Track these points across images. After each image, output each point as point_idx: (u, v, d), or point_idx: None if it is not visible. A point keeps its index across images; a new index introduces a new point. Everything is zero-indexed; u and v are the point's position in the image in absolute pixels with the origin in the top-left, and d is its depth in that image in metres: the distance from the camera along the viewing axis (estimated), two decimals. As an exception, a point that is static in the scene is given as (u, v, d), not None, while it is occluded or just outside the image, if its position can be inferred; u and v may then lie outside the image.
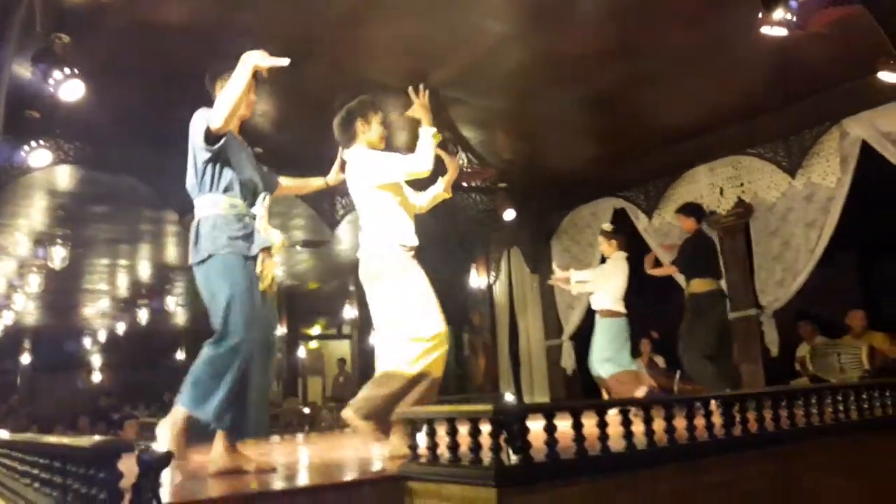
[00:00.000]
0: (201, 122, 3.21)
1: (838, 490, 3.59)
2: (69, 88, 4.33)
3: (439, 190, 4.06)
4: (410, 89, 3.70)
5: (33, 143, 5.38)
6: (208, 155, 3.22)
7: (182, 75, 4.98)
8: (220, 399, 3.07)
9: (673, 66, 5.24)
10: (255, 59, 3.13)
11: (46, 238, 7.93)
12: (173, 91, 5.21)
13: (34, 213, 7.58)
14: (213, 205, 3.28)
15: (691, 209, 6.06)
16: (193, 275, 3.31)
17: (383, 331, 3.69)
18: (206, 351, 3.18)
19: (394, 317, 3.63)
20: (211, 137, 3.17)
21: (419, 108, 3.72)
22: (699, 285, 5.73)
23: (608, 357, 6.00)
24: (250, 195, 3.37)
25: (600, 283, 6.18)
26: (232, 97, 3.12)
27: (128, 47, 4.60)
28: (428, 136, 3.67)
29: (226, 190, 3.27)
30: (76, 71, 4.29)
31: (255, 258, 3.28)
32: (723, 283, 5.94)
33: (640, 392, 5.89)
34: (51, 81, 4.25)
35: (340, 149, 3.90)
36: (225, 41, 4.58)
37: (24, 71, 4.46)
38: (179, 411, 3.18)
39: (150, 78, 5.03)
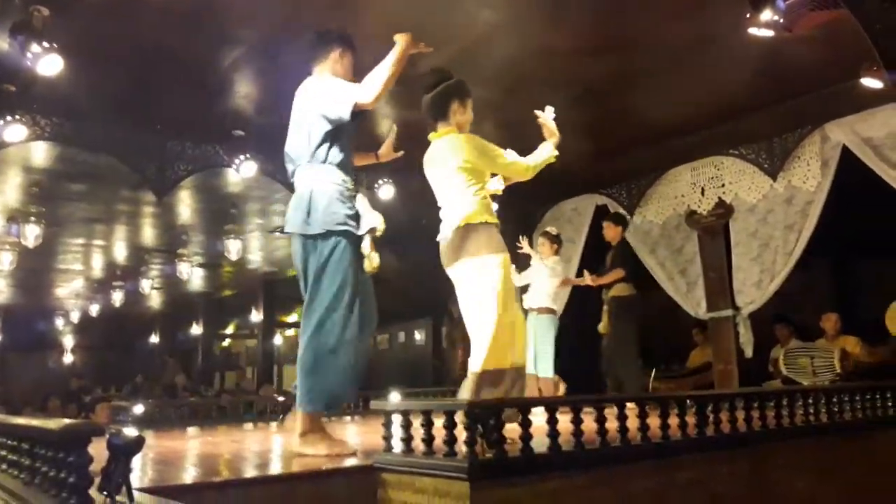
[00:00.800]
0: (341, 91, 3.17)
1: (808, 490, 3.64)
2: (47, 63, 4.23)
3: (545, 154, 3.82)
4: (537, 112, 3.82)
5: (9, 118, 5.25)
6: (331, 127, 3.19)
7: (163, 54, 4.92)
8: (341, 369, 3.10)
9: (659, 63, 5.24)
10: (408, 43, 3.23)
11: (20, 215, 7.77)
12: (154, 69, 5.14)
13: (8, 189, 7.43)
14: (329, 177, 3.23)
15: (618, 218, 6.62)
16: (293, 241, 3.26)
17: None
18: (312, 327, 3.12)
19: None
20: (353, 111, 3.12)
21: (546, 128, 3.84)
22: (622, 289, 6.23)
23: (547, 356, 6.14)
24: (351, 173, 3.35)
25: (536, 281, 6.30)
26: (387, 76, 3.16)
27: (108, 23, 4.50)
28: (548, 149, 3.80)
29: (339, 165, 3.25)
30: (55, 45, 4.19)
31: (360, 238, 3.28)
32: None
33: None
34: (28, 55, 4.14)
35: (394, 127, 3.85)
36: (207, 21, 4.52)
37: (1, 43, 4.36)
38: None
39: (131, 55, 4.93)
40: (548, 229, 6.66)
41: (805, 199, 6.08)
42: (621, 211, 7.07)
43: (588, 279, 6.44)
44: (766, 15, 4.21)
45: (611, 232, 6.50)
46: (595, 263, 7.16)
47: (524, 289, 6.36)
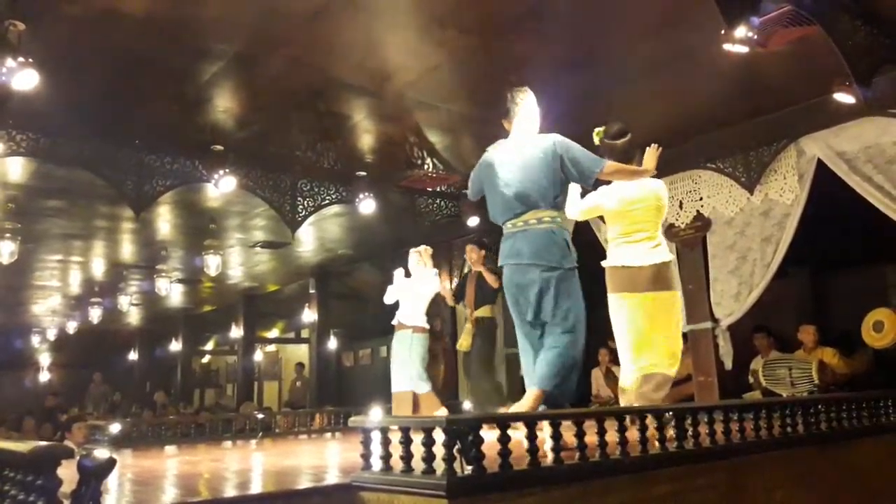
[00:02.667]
0: (593, 161, 3.76)
1: (785, 502, 3.65)
2: (23, 77, 4.18)
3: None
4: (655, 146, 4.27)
5: (-17, 133, 5.21)
6: (571, 180, 3.83)
7: (141, 68, 4.90)
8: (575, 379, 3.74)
9: (635, 77, 5.30)
10: (653, 166, 4.12)
11: (-5, 231, 7.67)
12: (131, 84, 5.11)
13: (-18, 205, 7.35)
14: (566, 222, 3.91)
15: (481, 242, 6.86)
16: (530, 271, 3.71)
17: None
18: (560, 343, 3.68)
19: None
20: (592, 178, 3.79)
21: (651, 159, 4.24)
22: (486, 311, 6.60)
23: (421, 373, 6.29)
24: None
25: (414, 297, 6.40)
26: (629, 178, 4.10)
27: (85, 38, 4.48)
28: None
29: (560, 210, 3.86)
30: (30, 60, 4.15)
31: None
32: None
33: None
34: (3, 69, 4.10)
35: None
36: (184, 34, 4.51)
37: (-26, 58, 4.30)
38: (534, 392, 3.63)
39: (108, 70, 4.91)
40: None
41: (782, 211, 6.15)
42: (485, 239, 7.14)
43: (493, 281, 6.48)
44: (741, 31, 4.26)
45: (477, 255, 6.71)
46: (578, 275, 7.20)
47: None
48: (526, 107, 3.97)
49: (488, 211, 3.94)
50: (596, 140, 4.32)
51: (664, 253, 4.19)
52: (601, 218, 4.55)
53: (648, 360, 4.08)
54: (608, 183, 4.17)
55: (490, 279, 6.49)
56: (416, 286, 6.44)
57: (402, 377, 6.34)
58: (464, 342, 6.71)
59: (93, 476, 1.84)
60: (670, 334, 4.15)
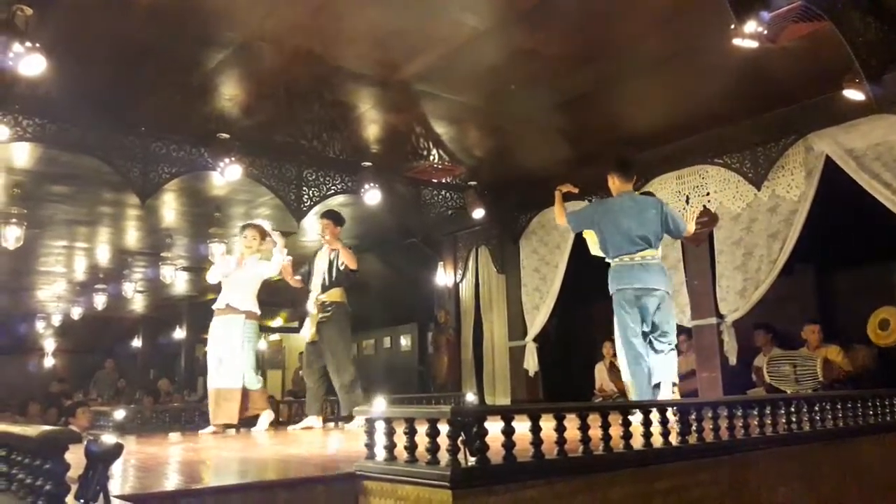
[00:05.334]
0: (682, 222, 5.14)
1: (787, 498, 3.65)
2: (30, 63, 4.19)
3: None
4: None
5: (-10, 118, 5.21)
6: (668, 234, 5.06)
7: (148, 55, 4.89)
8: None
9: (643, 71, 5.28)
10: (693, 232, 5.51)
11: (1, 216, 7.68)
12: (138, 70, 5.10)
13: (-12, 189, 7.36)
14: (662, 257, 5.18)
15: (338, 217, 6.13)
16: (654, 295, 4.85)
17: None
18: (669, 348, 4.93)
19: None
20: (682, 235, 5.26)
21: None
22: (338, 295, 5.97)
23: (254, 367, 5.71)
24: None
25: (247, 278, 5.73)
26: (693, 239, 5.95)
27: (92, 23, 4.47)
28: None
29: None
30: (38, 45, 4.15)
31: None
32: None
33: (268, 416, 5.89)
34: (10, 54, 4.10)
35: None
36: (191, 22, 4.50)
37: (-18, 42, 4.30)
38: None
39: (115, 56, 4.90)
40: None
41: (789, 208, 6.13)
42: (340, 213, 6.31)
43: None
44: (751, 26, 4.24)
45: (329, 231, 5.98)
46: (584, 269, 7.21)
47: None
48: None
49: (599, 246, 5.06)
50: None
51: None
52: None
53: None
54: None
55: (349, 258, 5.84)
56: (248, 266, 5.76)
57: (229, 371, 5.57)
58: (308, 331, 5.97)
59: (100, 461, 1.84)
60: None
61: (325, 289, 5.97)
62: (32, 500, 1.91)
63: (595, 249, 5.24)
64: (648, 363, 4.78)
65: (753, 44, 4.35)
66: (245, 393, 5.63)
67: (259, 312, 5.83)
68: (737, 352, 6.45)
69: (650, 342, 4.84)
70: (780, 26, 4.45)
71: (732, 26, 4.27)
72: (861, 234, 6.58)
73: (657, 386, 4.78)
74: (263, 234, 5.95)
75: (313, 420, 6.04)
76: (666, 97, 5.79)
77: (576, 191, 5.41)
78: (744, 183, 6.37)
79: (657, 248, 4.90)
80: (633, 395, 4.83)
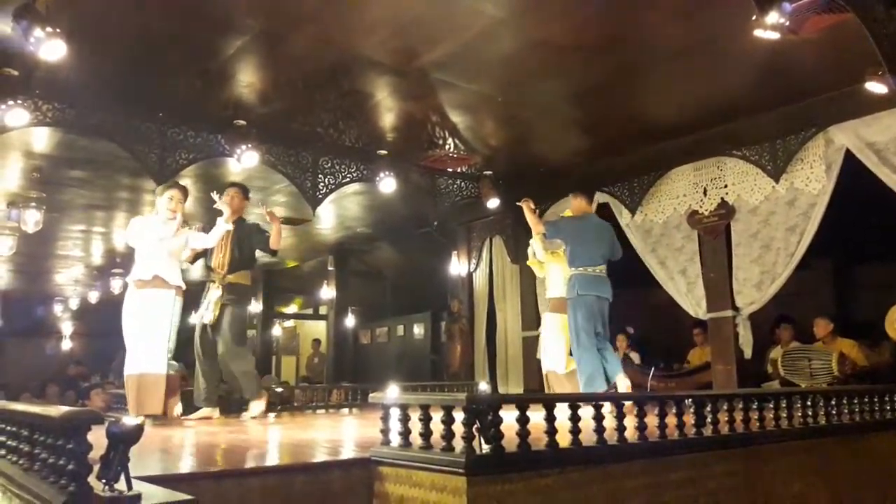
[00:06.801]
0: (618, 247, 6.06)
1: (801, 492, 3.65)
2: (50, 48, 4.19)
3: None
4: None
5: (10, 102, 5.23)
6: (611, 254, 5.99)
7: (166, 41, 4.90)
8: None
9: (662, 61, 5.23)
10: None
11: (20, 200, 7.76)
12: (156, 56, 5.12)
13: (8, 174, 7.42)
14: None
15: (245, 188, 5.92)
16: (604, 302, 5.80)
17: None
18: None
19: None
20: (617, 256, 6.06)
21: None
22: (244, 277, 5.72)
23: (172, 349, 5.16)
24: None
25: (171, 250, 5.18)
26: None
27: (112, 9, 4.48)
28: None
29: None
30: (58, 30, 4.16)
31: None
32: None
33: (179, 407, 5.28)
34: (31, 39, 4.12)
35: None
36: (209, 8, 4.50)
37: (3, 27, 4.34)
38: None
39: (134, 42, 4.92)
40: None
41: (808, 201, 6.07)
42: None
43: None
44: (772, 17, 4.18)
45: (237, 202, 5.68)
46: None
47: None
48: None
49: (570, 254, 5.87)
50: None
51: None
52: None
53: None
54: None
55: (278, 237, 5.58)
56: (169, 236, 5.15)
57: (156, 354, 4.94)
58: (211, 314, 5.51)
59: (121, 442, 1.87)
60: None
61: (232, 269, 5.63)
62: (55, 480, 1.94)
63: (540, 255, 6.49)
64: (599, 358, 5.64)
65: (775, 35, 4.29)
66: (169, 379, 5.00)
67: (184, 287, 5.23)
68: (752, 345, 6.42)
69: (599, 341, 5.71)
70: (802, 17, 4.39)
71: (754, 17, 4.22)
72: (880, 228, 6.52)
73: (616, 378, 5.60)
74: (180, 201, 5.28)
75: (209, 411, 5.58)
76: (685, 88, 5.73)
77: (534, 206, 6.33)
78: (762, 175, 6.32)
79: (605, 265, 5.84)
80: (583, 386, 5.58)
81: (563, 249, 6.15)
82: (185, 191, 5.37)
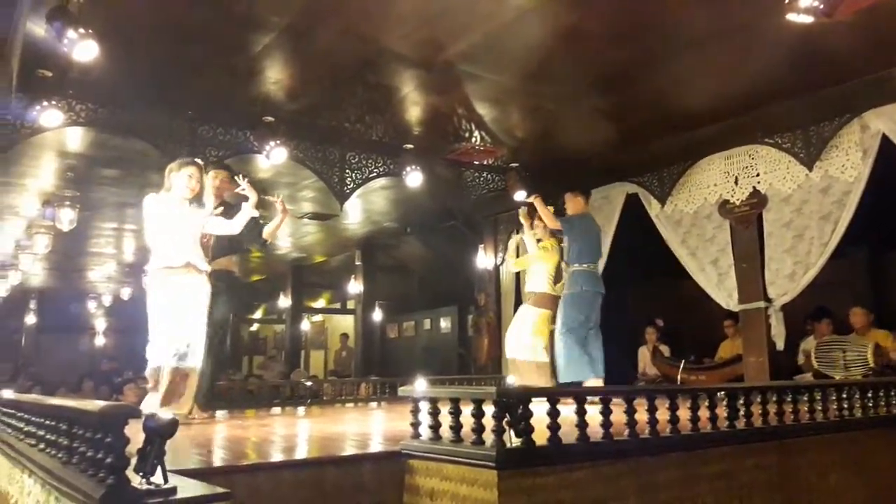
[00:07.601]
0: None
1: (836, 485, 3.59)
2: (83, 48, 4.26)
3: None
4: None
5: (45, 103, 5.35)
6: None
7: (195, 39, 4.95)
8: None
9: (691, 47, 5.13)
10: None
11: (55, 199, 7.92)
12: (185, 55, 5.18)
13: (43, 173, 7.57)
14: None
15: (228, 167, 5.55)
16: (598, 296, 6.23)
17: None
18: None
19: None
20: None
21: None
22: (227, 263, 5.32)
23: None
24: None
25: (197, 233, 4.81)
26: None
27: (142, 9, 4.54)
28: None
29: None
30: (90, 31, 4.23)
31: None
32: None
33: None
34: (65, 41, 4.19)
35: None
36: (237, 5, 4.54)
37: (38, 29, 4.41)
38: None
39: (163, 42, 4.98)
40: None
41: (842, 189, 5.93)
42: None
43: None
44: (806, 0, 4.10)
45: (218, 181, 5.28)
46: (625, 251, 7.15)
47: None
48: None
49: (576, 251, 6.19)
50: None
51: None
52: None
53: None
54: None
55: (276, 227, 5.32)
56: (207, 217, 4.81)
57: (199, 348, 4.66)
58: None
59: (157, 436, 1.90)
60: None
61: (215, 255, 5.20)
62: (93, 473, 1.98)
63: (532, 251, 6.60)
64: (585, 347, 5.98)
65: (808, 19, 4.21)
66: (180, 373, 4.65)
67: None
68: (784, 337, 6.31)
69: (592, 333, 6.07)
70: (837, 0, 4.29)
71: (786, 1, 4.14)
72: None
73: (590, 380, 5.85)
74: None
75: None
76: (714, 75, 5.62)
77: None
78: (795, 163, 6.20)
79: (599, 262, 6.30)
80: (570, 376, 5.87)
81: (551, 246, 6.52)
82: (203, 168, 4.89)
